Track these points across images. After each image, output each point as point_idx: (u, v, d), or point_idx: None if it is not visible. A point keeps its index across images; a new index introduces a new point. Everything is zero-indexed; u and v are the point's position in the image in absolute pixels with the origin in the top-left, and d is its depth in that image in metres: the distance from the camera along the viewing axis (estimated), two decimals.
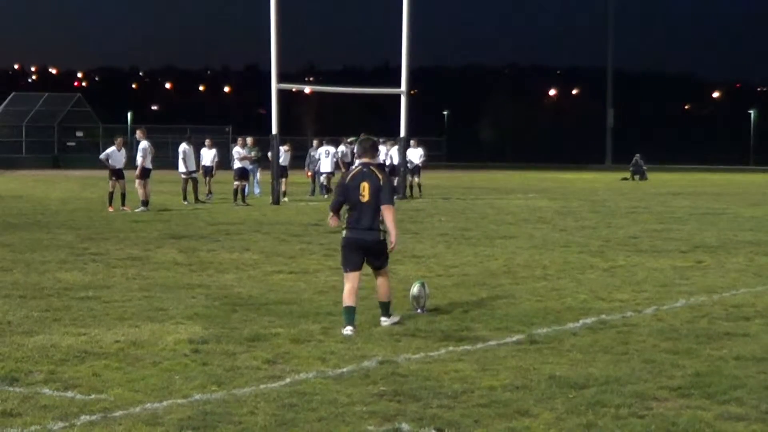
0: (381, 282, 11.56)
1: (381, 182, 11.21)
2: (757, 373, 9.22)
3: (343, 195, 11.40)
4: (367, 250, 11.38)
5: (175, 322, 11.58)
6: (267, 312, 12.23)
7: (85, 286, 14.32)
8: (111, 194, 29.34)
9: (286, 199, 35.14)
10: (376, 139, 12.10)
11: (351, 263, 11.40)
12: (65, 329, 11.05)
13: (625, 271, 16.56)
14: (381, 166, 11.63)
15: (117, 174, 29.44)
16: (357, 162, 12.15)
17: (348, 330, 10.95)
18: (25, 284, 14.42)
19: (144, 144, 30.69)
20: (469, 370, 9.28)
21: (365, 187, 11.19)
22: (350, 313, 11.14)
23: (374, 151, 11.64)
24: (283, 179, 35.87)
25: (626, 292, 14.18)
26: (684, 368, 9.38)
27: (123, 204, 29.26)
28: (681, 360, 9.74)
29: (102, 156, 30.50)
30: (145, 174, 30.12)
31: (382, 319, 11.46)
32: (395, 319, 11.50)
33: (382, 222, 11.29)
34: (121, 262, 17.13)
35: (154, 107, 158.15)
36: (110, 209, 28.89)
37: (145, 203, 29.77)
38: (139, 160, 30.42)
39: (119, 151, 29.87)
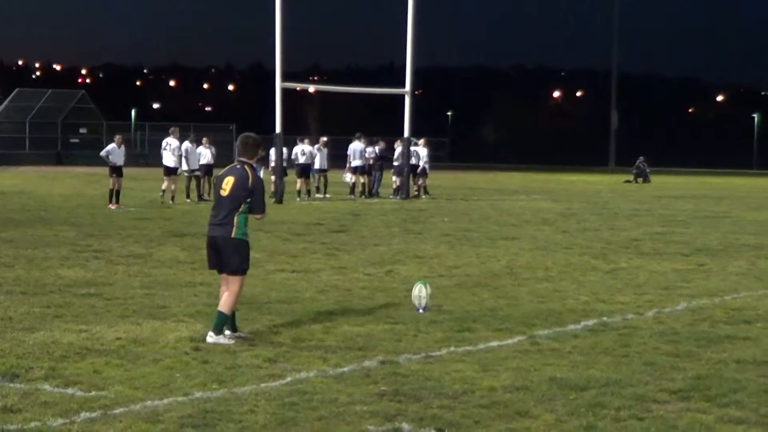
0: (225, 291, 10.61)
1: (249, 182, 10.47)
2: (757, 376, 9.23)
3: (215, 190, 10.82)
4: (216, 249, 10.61)
5: (176, 319, 11.59)
6: (268, 311, 12.24)
7: (87, 282, 14.33)
8: (112, 191, 29.48)
9: (298, 199, 35.22)
10: (258, 137, 11.10)
11: (209, 262, 10.85)
12: (66, 326, 11.07)
13: (626, 273, 16.56)
14: (254, 168, 10.71)
15: (117, 171, 29.67)
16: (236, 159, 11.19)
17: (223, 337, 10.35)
18: (27, 280, 14.44)
19: (164, 142, 32.97)
20: (470, 370, 9.29)
21: (228, 182, 10.51)
22: (228, 321, 10.55)
23: (254, 150, 10.82)
24: (302, 179, 36.04)
25: (628, 294, 14.18)
26: (684, 371, 9.38)
27: (118, 201, 29.36)
28: (681, 363, 9.74)
29: (102, 153, 30.81)
30: (165, 171, 32.08)
31: (209, 333, 10.35)
32: (224, 340, 10.28)
33: (240, 215, 10.49)
34: (123, 259, 17.15)
35: (158, 105, 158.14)
36: (111, 206, 28.92)
37: (171, 198, 31.60)
38: None
39: (119, 148, 30.23)
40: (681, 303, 13.44)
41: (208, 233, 10.78)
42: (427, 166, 39.14)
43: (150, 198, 34.01)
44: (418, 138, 39.98)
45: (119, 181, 29.66)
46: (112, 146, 30.38)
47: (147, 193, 37.17)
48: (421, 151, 39.06)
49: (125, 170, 30.71)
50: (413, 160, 38.40)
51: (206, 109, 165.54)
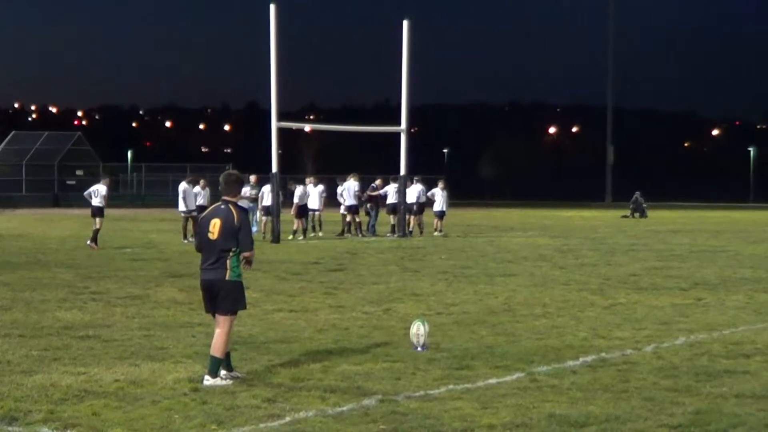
0: (216, 332, 10.56)
1: (236, 222, 10.44)
2: (757, 410, 9.22)
3: (200, 233, 10.77)
4: (211, 292, 10.59)
5: (174, 360, 11.57)
6: (267, 350, 12.22)
7: (85, 325, 14.31)
8: (97, 231, 29.63)
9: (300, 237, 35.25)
10: (240, 174, 11.18)
11: (205, 306, 10.84)
12: (65, 368, 11.04)
13: (625, 308, 16.56)
14: (238, 206, 10.70)
15: (101, 212, 29.77)
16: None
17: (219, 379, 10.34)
18: (25, 323, 14.41)
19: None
20: (469, 408, 9.27)
21: (215, 224, 10.46)
22: (223, 362, 10.55)
23: (237, 188, 10.86)
24: (299, 219, 35.88)
25: (626, 330, 14.17)
26: (684, 406, 9.37)
27: (94, 241, 29.40)
28: (681, 398, 9.73)
29: (91, 190, 30.73)
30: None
31: (205, 377, 10.34)
32: (221, 382, 10.27)
33: (232, 257, 10.45)
34: (120, 300, 17.13)
35: (155, 145, 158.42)
36: (95, 246, 28.98)
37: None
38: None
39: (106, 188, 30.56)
40: (680, 338, 13.44)
41: (201, 277, 10.74)
42: (421, 202, 39.09)
43: (146, 239, 34.01)
44: (415, 176, 40.03)
45: (100, 221, 29.85)
46: (103, 187, 30.52)
47: (144, 234, 37.18)
48: (438, 193, 39.19)
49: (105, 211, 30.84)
50: (420, 199, 38.61)
51: (203, 149, 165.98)
